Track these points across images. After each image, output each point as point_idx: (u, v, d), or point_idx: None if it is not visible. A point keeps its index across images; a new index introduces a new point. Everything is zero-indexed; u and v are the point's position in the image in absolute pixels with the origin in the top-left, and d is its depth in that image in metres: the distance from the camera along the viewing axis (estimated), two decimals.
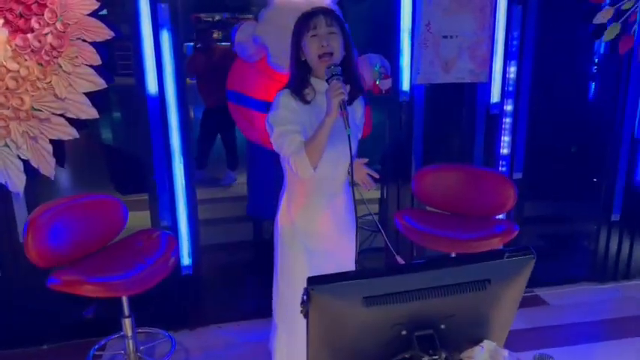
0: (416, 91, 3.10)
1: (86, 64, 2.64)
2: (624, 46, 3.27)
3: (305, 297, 1.02)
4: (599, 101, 3.49)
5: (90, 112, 2.70)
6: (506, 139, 3.31)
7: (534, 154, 3.38)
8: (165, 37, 2.76)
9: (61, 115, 2.68)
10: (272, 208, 2.08)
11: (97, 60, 2.63)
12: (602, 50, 3.63)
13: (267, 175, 3.61)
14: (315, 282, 1.01)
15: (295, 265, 2.04)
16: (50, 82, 2.62)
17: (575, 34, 3.22)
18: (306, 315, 1.03)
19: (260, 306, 3.32)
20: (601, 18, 3.20)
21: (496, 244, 2.56)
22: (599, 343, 3.06)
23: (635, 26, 3.26)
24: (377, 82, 2.85)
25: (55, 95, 2.64)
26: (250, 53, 2.72)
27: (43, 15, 2.54)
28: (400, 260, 2.78)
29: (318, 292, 1.01)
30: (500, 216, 3.02)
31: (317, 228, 2.04)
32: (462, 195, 2.87)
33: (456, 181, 2.90)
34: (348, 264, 2.04)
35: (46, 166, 2.74)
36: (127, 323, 2.41)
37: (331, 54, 1.85)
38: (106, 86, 2.67)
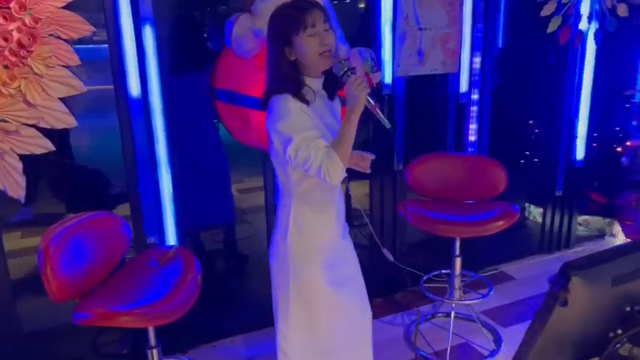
0: (397, 84, 3.13)
1: (61, 65, 2.28)
2: (564, 36, 3.60)
3: (562, 285, 0.98)
4: (550, 88, 3.81)
5: (67, 121, 2.33)
6: (473, 126, 3.48)
7: (498, 139, 3.60)
8: (149, 33, 2.48)
9: (32, 126, 2.30)
10: None
11: (74, 60, 2.28)
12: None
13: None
14: (574, 268, 0.97)
15: (312, 283, 1.90)
16: (19, 87, 2.23)
17: (533, 26, 3.46)
18: (564, 304, 0.98)
19: (254, 317, 3.16)
20: (546, 11, 3.49)
21: (502, 225, 2.68)
22: None
23: (572, 19, 3.61)
24: (370, 76, 2.83)
25: (26, 102, 2.25)
26: (248, 48, 2.54)
27: (8, 7, 2.14)
28: (387, 254, 2.80)
29: (581, 277, 0.97)
30: None
31: (330, 236, 1.93)
32: (455, 182, 2.96)
33: (449, 169, 2.98)
34: (355, 266, 2.03)
35: (15, 186, 2.31)
36: (155, 354, 2.13)
37: (330, 51, 1.75)
38: (86, 90, 2.34)
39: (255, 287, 3.32)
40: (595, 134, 4.06)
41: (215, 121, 3.17)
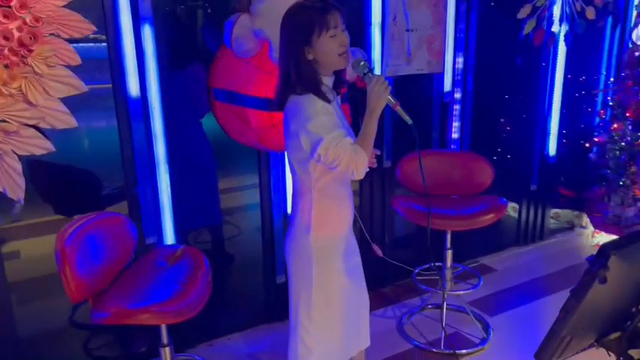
0: None
1: (62, 65, 2.26)
2: (538, 38, 3.78)
3: (602, 263, 1.07)
4: (525, 88, 3.98)
5: (68, 121, 2.30)
6: (456, 124, 3.61)
7: (478, 137, 3.74)
8: (148, 32, 2.48)
9: (32, 126, 2.26)
10: None
11: (75, 59, 2.26)
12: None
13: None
14: (613, 247, 1.07)
15: (334, 274, 1.97)
16: (20, 86, 2.19)
17: (510, 28, 3.62)
18: (603, 280, 1.08)
19: (251, 314, 3.19)
20: (522, 14, 3.65)
21: (492, 218, 2.81)
22: (546, 297, 3.50)
23: (545, 21, 3.79)
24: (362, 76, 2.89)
25: (27, 102, 2.21)
26: (247, 48, 2.56)
27: (9, 6, 2.11)
28: (377, 249, 2.89)
29: (619, 256, 1.07)
30: None
31: (347, 227, 2.02)
32: (444, 178, 3.06)
33: (438, 166, 3.09)
34: (358, 253, 2.10)
35: (15, 188, 2.27)
36: (167, 353, 2.14)
37: (347, 52, 1.81)
38: (87, 90, 2.32)
39: (250, 284, 3.36)
40: (564, 131, 4.27)
41: (201, 120, 3.19)
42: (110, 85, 2.51)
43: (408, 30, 3.20)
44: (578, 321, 1.18)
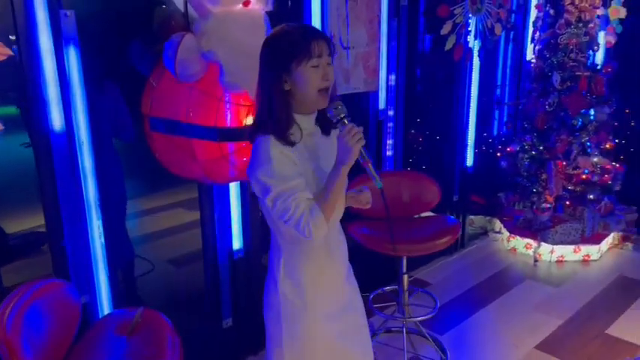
0: None
1: None
2: (457, 54, 3.87)
3: None
4: (447, 101, 4.06)
5: None
6: (390, 141, 3.56)
7: (409, 153, 3.73)
8: (73, 56, 2.07)
9: None
10: None
11: None
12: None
13: None
14: None
15: (308, 336, 1.72)
16: None
17: (435, 44, 3.65)
18: None
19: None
20: (444, 30, 3.71)
21: (449, 241, 2.78)
22: (484, 308, 3.59)
23: (462, 38, 3.89)
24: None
25: None
26: (193, 72, 2.25)
27: None
28: None
29: None
30: None
31: (328, 280, 1.74)
32: (393, 199, 2.99)
33: (386, 187, 2.99)
34: (362, 312, 1.87)
35: None
36: None
37: (328, 89, 1.60)
38: (3, 128, 1.87)
39: (194, 329, 3.01)
40: (478, 142, 4.44)
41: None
42: None
43: (345, 48, 3.08)
44: None
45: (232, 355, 2.90)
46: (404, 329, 2.92)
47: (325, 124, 1.70)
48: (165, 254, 3.91)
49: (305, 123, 1.62)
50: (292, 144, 1.54)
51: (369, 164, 1.55)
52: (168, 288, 3.16)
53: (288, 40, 1.55)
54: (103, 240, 2.29)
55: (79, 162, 2.17)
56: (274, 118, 1.54)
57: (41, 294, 1.69)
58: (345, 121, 1.55)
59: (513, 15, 4.37)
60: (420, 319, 2.97)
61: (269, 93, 1.55)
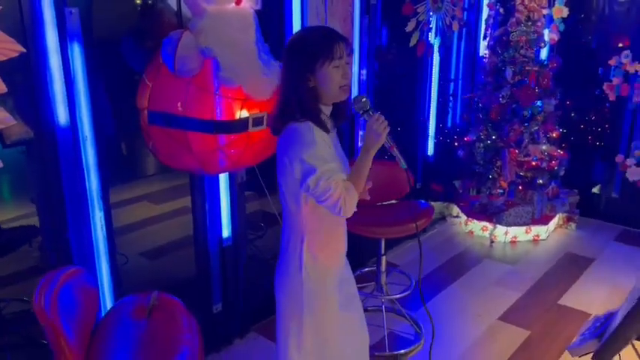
0: None
1: None
2: (420, 49, 4.11)
3: None
4: (412, 94, 4.30)
5: None
6: (361, 133, 3.76)
7: None
8: (77, 52, 2.14)
9: None
10: None
11: (1, 87, 1.87)
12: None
13: None
14: None
15: (327, 312, 1.91)
16: None
17: (404, 40, 3.87)
18: None
19: None
20: (409, 27, 3.94)
21: (424, 223, 3.03)
22: (449, 287, 3.88)
23: (424, 34, 4.14)
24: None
25: None
26: (191, 67, 2.35)
27: None
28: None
29: None
30: None
31: (340, 260, 1.97)
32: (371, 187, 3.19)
33: None
34: (354, 282, 2.07)
35: None
36: None
37: (348, 85, 1.81)
38: (14, 122, 1.93)
39: None
40: (436, 132, 4.73)
41: None
42: None
43: None
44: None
45: (221, 338, 3.03)
46: (383, 307, 3.14)
47: (337, 118, 1.89)
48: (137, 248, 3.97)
49: (327, 114, 1.81)
50: (328, 131, 1.73)
51: (394, 148, 1.79)
52: (154, 277, 3.24)
53: (313, 44, 1.73)
54: (104, 232, 2.37)
55: (83, 156, 2.24)
56: (306, 110, 1.71)
57: (68, 278, 1.78)
58: (371, 112, 1.76)
59: (466, 13, 4.66)
60: (398, 296, 3.20)
61: (296, 90, 1.72)
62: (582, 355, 1.64)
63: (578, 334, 1.70)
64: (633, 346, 1.54)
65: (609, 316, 1.66)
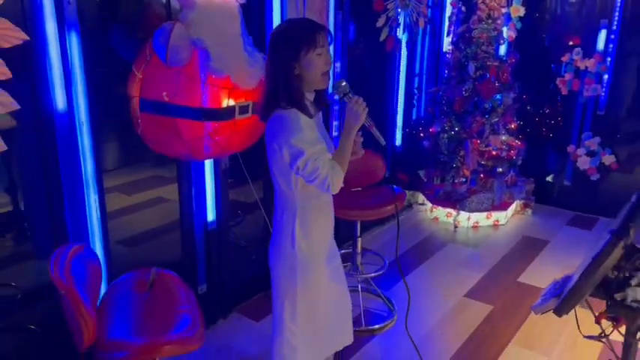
0: None
1: None
2: (389, 44, 4.33)
3: (625, 233, 1.50)
4: (382, 87, 4.50)
5: None
6: (335, 123, 3.95)
7: None
8: (74, 41, 2.23)
9: None
10: None
11: (6, 73, 1.95)
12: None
13: None
14: (631, 221, 1.50)
15: (319, 281, 2.10)
16: None
17: (375, 35, 4.06)
18: (625, 247, 1.51)
19: None
20: (379, 23, 4.15)
21: (399, 206, 3.24)
22: (418, 268, 4.12)
23: (393, 30, 4.35)
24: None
25: None
26: (182, 57, 2.46)
27: None
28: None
29: (636, 227, 1.51)
30: None
31: (329, 234, 2.16)
32: (348, 173, 3.38)
33: None
34: (339, 258, 2.25)
35: None
36: None
37: (329, 72, 1.96)
38: (19, 107, 2.01)
39: None
40: (403, 124, 4.96)
41: None
42: None
43: None
44: (595, 280, 1.60)
45: (206, 318, 3.16)
46: (359, 286, 3.35)
47: (318, 103, 2.05)
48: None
49: (311, 100, 1.97)
50: (311, 116, 1.89)
51: (373, 127, 1.97)
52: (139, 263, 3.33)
53: (297, 33, 1.88)
54: (99, 213, 2.47)
55: (79, 141, 2.33)
56: (293, 97, 1.86)
57: (76, 252, 1.89)
58: (351, 94, 1.93)
59: (430, 10, 4.91)
60: (372, 275, 3.41)
61: (284, 78, 1.87)
62: (544, 312, 1.88)
63: (540, 296, 1.93)
64: (588, 302, 1.78)
65: (566, 279, 1.89)
